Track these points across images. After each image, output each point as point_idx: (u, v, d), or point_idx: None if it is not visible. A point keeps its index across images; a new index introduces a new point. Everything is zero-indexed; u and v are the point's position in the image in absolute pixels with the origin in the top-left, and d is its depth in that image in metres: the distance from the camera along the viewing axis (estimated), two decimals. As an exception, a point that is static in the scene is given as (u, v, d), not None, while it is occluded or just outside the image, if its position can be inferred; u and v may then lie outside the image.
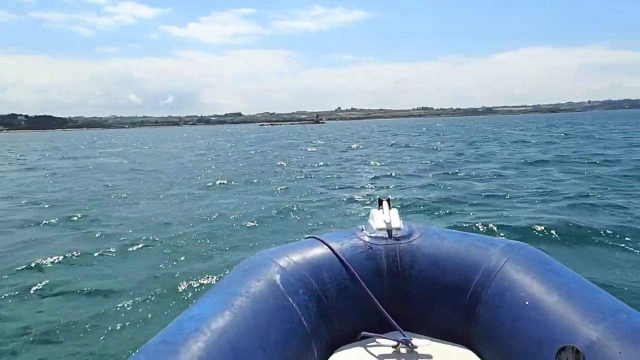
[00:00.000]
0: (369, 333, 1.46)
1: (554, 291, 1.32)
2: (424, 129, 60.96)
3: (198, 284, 4.62)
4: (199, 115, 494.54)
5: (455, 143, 28.04)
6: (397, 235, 1.62)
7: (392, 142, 31.91)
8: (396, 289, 1.55)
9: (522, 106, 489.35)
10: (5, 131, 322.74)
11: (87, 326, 3.84)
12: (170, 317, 1.34)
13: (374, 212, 1.76)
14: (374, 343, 1.46)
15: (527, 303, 1.32)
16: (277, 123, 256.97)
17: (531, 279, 1.38)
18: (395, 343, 1.42)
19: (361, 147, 28.61)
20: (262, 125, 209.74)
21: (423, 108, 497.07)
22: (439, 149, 23.67)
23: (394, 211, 1.72)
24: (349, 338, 1.51)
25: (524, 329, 1.29)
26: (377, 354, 1.43)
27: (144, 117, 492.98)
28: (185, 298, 4.35)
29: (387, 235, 1.62)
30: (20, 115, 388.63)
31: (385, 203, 1.77)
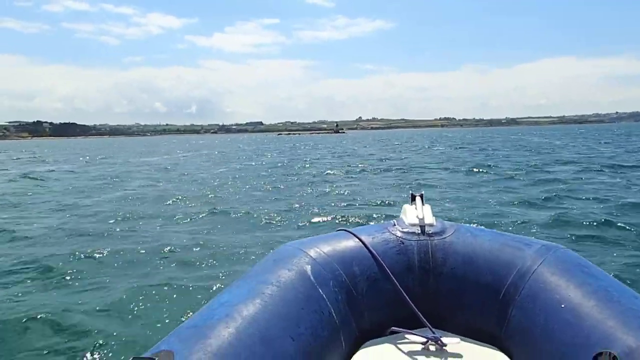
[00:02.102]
0: (398, 328, 1.44)
1: (591, 295, 1.28)
2: (472, 144, 49.29)
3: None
4: (220, 123, 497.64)
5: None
6: (430, 232, 1.59)
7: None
8: (427, 286, 1.52)
9: (547, 117, 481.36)
10: (29, 138, 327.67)
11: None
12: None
13: (406, 207, 1.73)
14: (403, 339, 1.45)
15: (562, 306, 1.29)
16: (297, 132, 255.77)
17: (567, 281, 1.35)
18: (424, 340, 1.40)
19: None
20: (280, 134, 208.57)
21: (445, 118, 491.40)
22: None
23: (427, 207, 1.69)
24: (378, 332, 1.49)
25: (558, 332, 1.26)
26: (405, 350, 1.42)
27: (166, 125, 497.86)
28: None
29: (419, 231, 1.59)
30: (45, 122, 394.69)
31: (418, 198, 1.73)
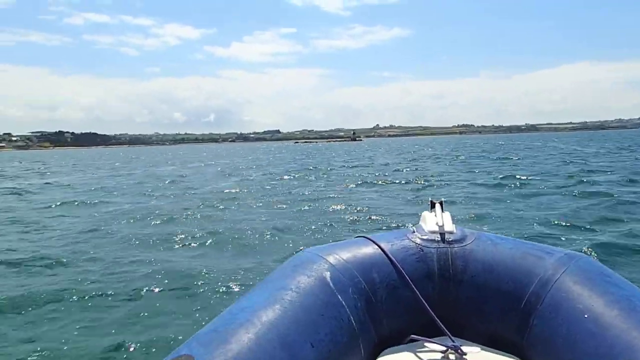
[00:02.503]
0: (417, 336, 1.43)
1: (615, 305, 1.27)
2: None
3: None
4: (238, 132, 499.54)
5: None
6: (450, 239, 1.58)
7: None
8: (447, 294, 1.51)
9: (568, 123, 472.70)
10: (51, 148, 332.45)
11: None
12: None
13: (426, 214, 1.71)
14: (423, 347, 1.45)
15: (585, 316, 1.27)
16: (314, 140, 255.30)
17: (590, 291, 1.33)
18: (444, 348, 1.39)
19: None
20: (297, 142, 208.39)
21: (463, 125, 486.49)
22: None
23: (447, 214, 1.67)
24: (397, 340, 1.49)
25: (581, 342, 1.24)
26: (425, 359, 1.40)
27: (185, 134, 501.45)
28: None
29: (439, 239, 1.58)
30: (67, 132, 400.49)
31: (437, 205, 1.72)
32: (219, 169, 29.84)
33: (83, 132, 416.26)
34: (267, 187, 17.15)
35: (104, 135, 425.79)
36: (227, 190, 15.73)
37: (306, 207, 11.47)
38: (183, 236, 8.27)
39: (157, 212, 11.35)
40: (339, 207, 11.32)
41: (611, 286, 1.35)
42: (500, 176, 17.50)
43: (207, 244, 7.80)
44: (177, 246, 7.68)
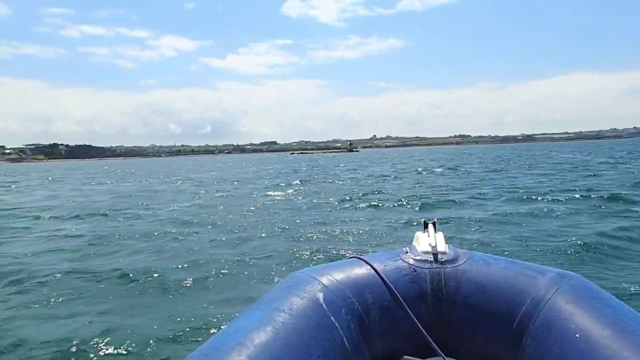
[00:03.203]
0: (410, 357, 1.45)
1: (606, 324, 1.27)
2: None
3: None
4: (235, 144, 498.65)
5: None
6: (443, 259, 1.58)
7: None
8: (440, 314, 1.51)
9: (563, 133, 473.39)
10: (45, 160, 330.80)
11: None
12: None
13: (419, 234, 1.72)
14: None
15: (577, 336, 1.27)
16: (310, 151, 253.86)
17: (582, 310, 1.33)
18: None
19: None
20: (293, 154, 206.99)
21: (460, 135, 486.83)
22: None
23: (440, 234, 1.68)
24: None
25: None
26: None
27: (182, 146, 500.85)
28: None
29: (432, 259, 1.58)
30: (61, 145, 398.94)
31: (430, 226, 1.72)
32: (194, 184, 28.06)
33: (78, 144, 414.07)
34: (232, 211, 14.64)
35: (99, 147, 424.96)
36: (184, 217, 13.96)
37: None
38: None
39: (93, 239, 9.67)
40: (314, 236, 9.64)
41: (603, 306, 1.34)
42: (516, 190, 15.68)
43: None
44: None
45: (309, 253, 7.50)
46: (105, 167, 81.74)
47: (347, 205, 14.00)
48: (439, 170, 32.86)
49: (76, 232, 10.49)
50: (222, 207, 14.39)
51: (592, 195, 13.14)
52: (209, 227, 10.56)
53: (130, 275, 6.43)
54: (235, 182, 27.56)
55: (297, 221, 11.00)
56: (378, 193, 17.42)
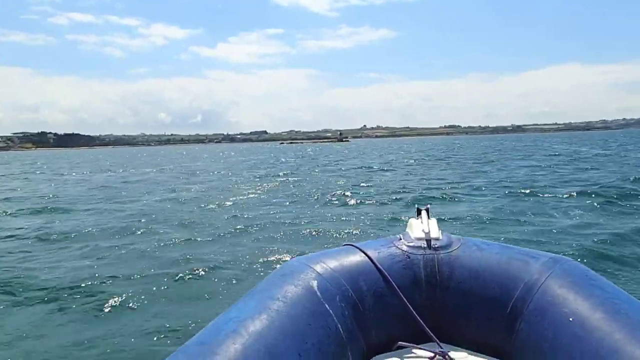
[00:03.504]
0: (405, 343, 1.46)
1: (599, 308, 1.27)
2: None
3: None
4: (224, 133, 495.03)
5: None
6: (436, 245, 1.58)
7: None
8: (434, 300, 1.52)
9: (553, 124, 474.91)
10: (33, 148, 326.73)
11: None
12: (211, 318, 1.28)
13: (412, 221, 1.73)
14: (410, 354, 1.48)
15: (570, 319, 1.28)
16: (300, 141, 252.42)
17: (575, 294, 1.33)
18: (431, 355, 1.42)
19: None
20: (282, 143, 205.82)
21: (450, 126, 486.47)
22: None
23: (433, 221, 1.69)
24: (385, 347, 1.50)
25: (567, 345, 1.25)
26: None
27: (171, 135, 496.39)
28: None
29: (425, 245, 1.59)
30: (50, 133, 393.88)
31: (424, 212, 1.73)
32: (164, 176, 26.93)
33: (66, 133, 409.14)
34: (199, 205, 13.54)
35: (88, 136, 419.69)
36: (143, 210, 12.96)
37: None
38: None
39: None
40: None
41: (596, 289, 1.34)
42: (512, 184, 14.78)
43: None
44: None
45: (279, 259, 6.57)
46: (92, 157, 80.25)
47: (332, 199, 13.18)
48: (428, 160, 32.01)
49: (22, 231, 9.53)
50: (196, 201, 13.45)
51: (599, 192, 12.24)
52: (175, 225, 9.68)
53: (57, 288, 5.53)
54: (218, 173, 26.54)
55: (275, 219, 10.08)
56: (366, 186, 16.58)
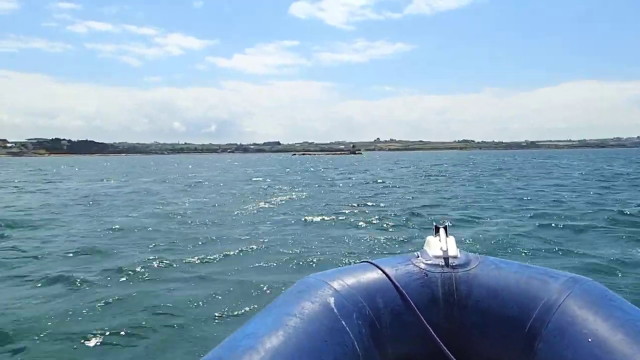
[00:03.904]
0: None
1: (619, 329, 1.25)
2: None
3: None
4: (238, 143, 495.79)
5: None
6: (454, 264, 1.57)
7: None
8: (451, 319, 1.50)
9: (567, 140, 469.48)
10: (47, 155, 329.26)
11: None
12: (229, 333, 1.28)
13: (430, 239, 1.72)
14: None
15: (590, 340, 1.26)
16: (313, 153, 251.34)
17: (595, 315, 1.32)
18: None
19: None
20: (294, 154, 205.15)
21: (464, 141, 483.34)
22: None
23: (451, 239, 1.67)
24: None
25: None
26: None
27: (185, 144, 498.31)
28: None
29: (443, 263, 1.57)
30: (64, 140, 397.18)
31: (442, 230, 1.72)
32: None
33: (80, 139, 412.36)
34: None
35: (101, 143, 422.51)
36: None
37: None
38: None
39: None
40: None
41: (616, 310, 1.32)
42: (537, 206, 13.16)
43: None
44: None
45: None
46: (99, 164, 79.52)
47: (341, 218, 11.51)
48: (444, 175, 30.28)
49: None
50: (184, 219, 11.88)
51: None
52: (148, 251, 8.05)
53: None
54: (222, 185, 25.10)
55: (272, 244, 8.50)
56: (377, 204, 14.90)
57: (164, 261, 7.10)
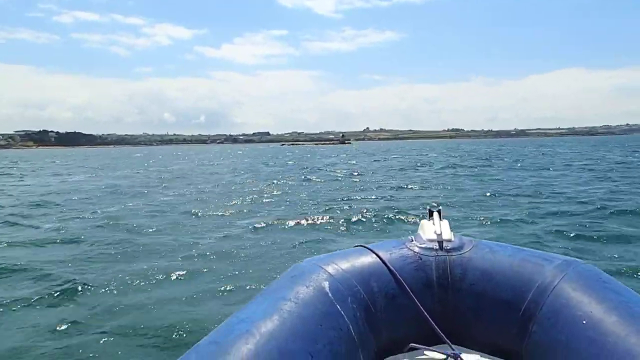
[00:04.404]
0: (417, 345, 1.45)
1: (613, 311, 1.27)
2: None
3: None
4: (227, 134, 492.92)
5: None
6: (448, 247, 1.58)
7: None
8: (446, 302, 1.52)
9: (556, 128, 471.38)
10: (34, 147, 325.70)
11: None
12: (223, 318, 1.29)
13: (424, 222, 1.72)
14: (422, 355, 1.47)
15: (584, 322, 1.27)
16: (302, 143, 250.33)
17: (589, 297, 1.33)
18: (443, 357, 1.42)
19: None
20: (283, 144, 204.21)
21: (454, 129, 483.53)
22: None
23: (445, 222, 1.68)
24: (397, 349, 1.50)
25: (580, 349, 1.24)
26: None
27: (174, 135, 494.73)
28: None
29: (437, 247, 1.58)
30: (52, 132, 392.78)
31: (435, 214, 1.73)
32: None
33: (69, 131, 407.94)
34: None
35: (90, 135, 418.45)
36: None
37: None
38: None
39: None
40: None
41: (610, 292, 1.33)
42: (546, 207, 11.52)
43: None
44: None
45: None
46: (80, 156, 78.30)
47: (315, 224, 10.25)
48: (439, 166, 29.34)
49: None
50: (127, 226, 10.98)
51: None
52: (68, 269, 7.42)
53: None
54: (190, 183, 24.26)
55: (231, 249, 7.96)
56: (361, 199, 14.11)
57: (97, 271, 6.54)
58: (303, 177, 23.86)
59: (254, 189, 18.07)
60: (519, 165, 29.50)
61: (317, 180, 21.89)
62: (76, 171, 34.17)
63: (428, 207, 1.78)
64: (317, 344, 1.23)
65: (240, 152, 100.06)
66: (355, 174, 25.43)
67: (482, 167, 28.10)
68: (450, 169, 27.16)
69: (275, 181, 21.61)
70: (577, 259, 1.51)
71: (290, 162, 42.58)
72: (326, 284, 1.41)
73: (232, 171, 31.01)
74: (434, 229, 1.63)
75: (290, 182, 20.93)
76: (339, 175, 24.90)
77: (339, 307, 1.36)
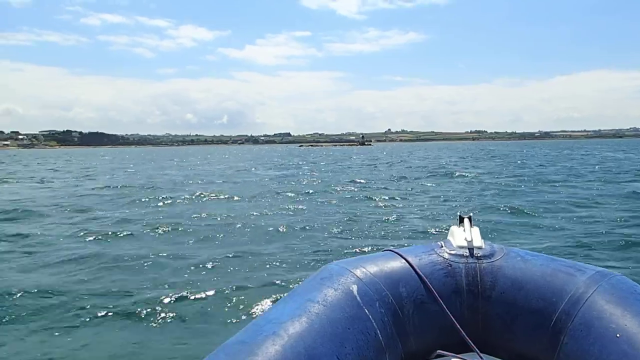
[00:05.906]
0: (444, 352, 1.43)
1: None
2: None
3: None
4: (248, 134, 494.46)
5: None
6: (479, 254, 1.54)
7: None
8: (475, 310, 1.48)
9: (582, 131, 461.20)
10: (57, 147, 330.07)
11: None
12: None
13: (454, 229, 1.69)
14: None
15: (617, 336, 1.23)
16: (322, 144, 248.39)
17: (623, 310, 1.28)
18: None
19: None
20: (302, 146, 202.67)
21: (476, 131, 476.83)
22: None
23: (476, 229, 1.64)
24: (424, 355, 1.48)
25: None
26: None
27: (196, 135, 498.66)
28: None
29: (467, 254, 1.55)
30: (75, 132, 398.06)
31: (466, 220, 1.68)
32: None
33: (92, 131, 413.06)
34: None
35: (112, 135, 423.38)
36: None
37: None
38: None
39: None
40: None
41: None
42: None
43: None
44: None
45: None
46: (98, 156, 77.58)
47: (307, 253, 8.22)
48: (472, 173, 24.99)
49: None
50: (113, 240, 9.03)
51: None
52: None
53: None
54: (191, 191, 22.29)
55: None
56: (384, 222, 11.85)
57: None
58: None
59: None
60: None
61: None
62: (79, 173, 32.47)
63: (459, 214, 1.71)
64: (345, 347, 1.21)
65: (262, 151, 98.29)
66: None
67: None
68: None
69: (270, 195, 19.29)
70: (611, 271, 1.43)
71: (315, 163, 40.27)
72: (354, 287, 1.38)
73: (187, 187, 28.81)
74: (464, 236, 1.58)
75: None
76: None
77: (367, 311, 1.34)
